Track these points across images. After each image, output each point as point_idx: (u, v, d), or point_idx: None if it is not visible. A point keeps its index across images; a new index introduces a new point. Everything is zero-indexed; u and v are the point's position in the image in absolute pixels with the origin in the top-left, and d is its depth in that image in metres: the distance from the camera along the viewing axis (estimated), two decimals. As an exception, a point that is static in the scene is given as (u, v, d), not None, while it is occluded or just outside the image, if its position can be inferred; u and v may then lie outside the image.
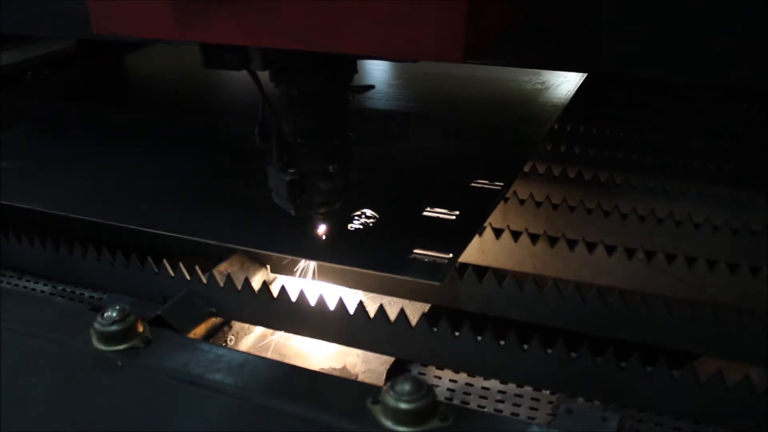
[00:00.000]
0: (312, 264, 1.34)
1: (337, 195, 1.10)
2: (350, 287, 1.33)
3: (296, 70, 1.00)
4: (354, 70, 1.05)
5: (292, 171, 1.05)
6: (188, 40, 0.90)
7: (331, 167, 1.06)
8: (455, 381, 1.13)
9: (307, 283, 1.34)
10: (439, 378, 1.14)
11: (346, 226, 1.19)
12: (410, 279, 1.10)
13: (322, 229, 1.15)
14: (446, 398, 1.11)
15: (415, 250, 1.12)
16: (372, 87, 1.13)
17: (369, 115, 1.65)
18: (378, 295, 1.31)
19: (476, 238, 1.33)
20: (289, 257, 1.33)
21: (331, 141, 1.06)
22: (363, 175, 1.12)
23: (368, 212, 1.23)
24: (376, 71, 1.95)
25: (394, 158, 1.47)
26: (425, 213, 1.23)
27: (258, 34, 0.85)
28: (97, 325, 0.99)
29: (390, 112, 1.72)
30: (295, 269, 1.37)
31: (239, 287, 1.20)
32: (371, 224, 1.20)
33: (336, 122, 1.06)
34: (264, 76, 1.01)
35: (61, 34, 2.04)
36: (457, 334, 1.09)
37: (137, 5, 0.89)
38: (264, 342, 1.25)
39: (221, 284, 1.21)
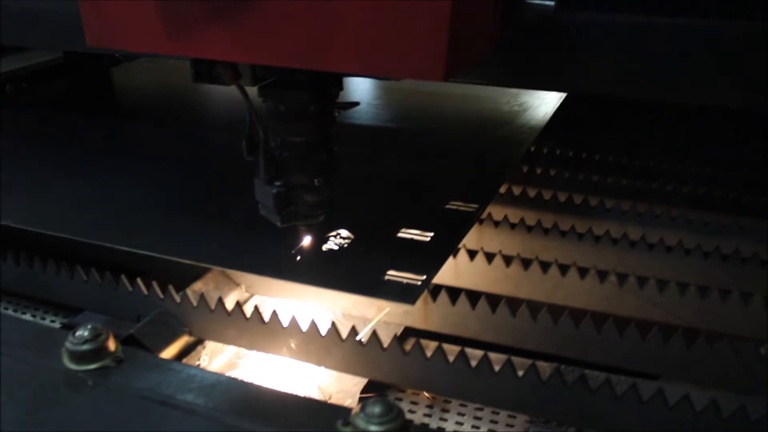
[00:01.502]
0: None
1: (322, 207, 1.11)
2: (325, 307, 1.33)
3: (284, 86, 1.02)
4: (340, 87, 1.07)
5: (278, 184, 1.07)
6: (180, 55, 0.92)
7: (316, 180, 1.08)
8: (432, 402, 1.13)
9: (281, 303, 1.34)
10: (416, 399, 1.14)
11: (322, 246, 1.20)
12: (383, 301, 1.11)
13: (298, 248, 1.15)
14: (424, 419, 1.11)
15: (389, 272, 1.12)
16: (357, 104, 1.15)
17: (346, 133, 1.66)
18: (352, 316, 1.31)
19: (450, 260, 1.33)
20: (264, 277, 1.33)
21: (317, 155, 1.07)
22: (338, 195, 1.13)
23: (344, 233, 1.23)
24: (358, 89, 1.97)
25: (369, 178, 1.48)
26: (400, 234, 1.23)
27: (248, 51, 0.88)
28: (68, 344, 0.99)
29: (368, 130, 1.73)
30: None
31: (212, 307, 1.20)
32: (346, 245, 1.21)
33: (322, 137, 1.07)
34: (252, 90, 1.03)
35: (52, 47, 2.05)
36: (428, 356, 1.09)
37: (132, 20, 0.91)
38: (237, 361, 1.25)
39: (195, 304, 1.21)
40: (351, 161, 1.21)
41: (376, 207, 1.36)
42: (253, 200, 1.12)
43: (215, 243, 1.24)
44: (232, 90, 1.02)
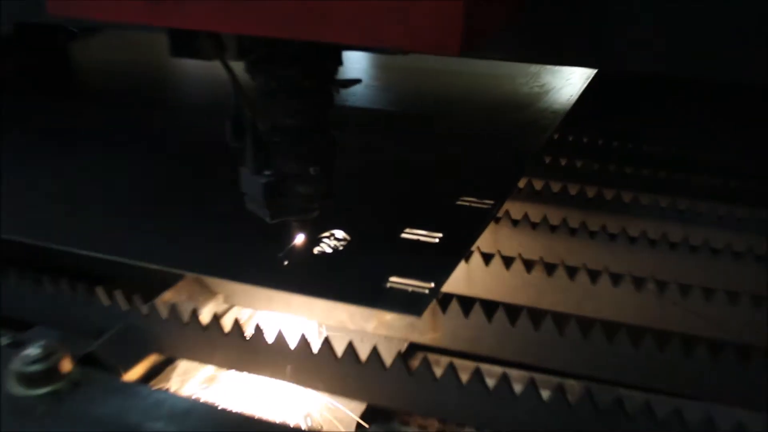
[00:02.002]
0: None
1: (318, 200, 1.11)
2: (316, 320, 1.33)
3: (275, 61, 1.02)
4: (339, 61, 1.06)
5: (268, 173, 1.07)
6: (157, 25, 0.90)
7: (312, 169, 1.08)
8: (443, 430, 1.14)
9: (265, 316, 1.34)
10: (425, 424, 1.14)
11: (312, 249, 1.19)
12: (385, 312, 1.10)
13: (286, 251, 1.15)
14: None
15: (392, 279, 1.12)
16: (359, 81, 1.16)
17: (344, 117, 1.66)
18: (349, 330, 1.30)
19: (462, 265, 1.33)
20: (246, 285, 1.33)
21: (313, 140, 1.07)
22: (334, 188, 1.13)
23: (338, 233, 1.23)
24: (354, 67, 1.96)
25: (369, 169, 1.48)
26: (404, 235, 1.23)
27: (234, 19, 0.86)
28: (15, 365, 0.97)
29: (367, 114, 1.73)
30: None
31: (185, 320, 1.19)
32: (341, 247, 1.20)
33: (318, 120, 1.07)
34: (238, 66, 1.02)
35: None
36: (437, 375, 1.08)
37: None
38: (214, 384, 1.25)
39: (164, 316, 1.20)
40: (346, 150, 1.21)
41: (375, 203, 1.36)
42: (236, 194, 1.11)
43: (190, 245, 1.23)
44: (214, 66, 1.01)
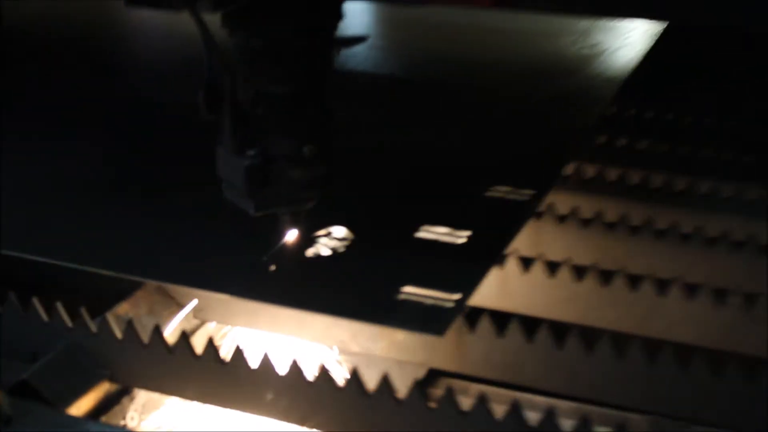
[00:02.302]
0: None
1: (313, 188, 1.11)
2: (311, 341, 1.32)
3: (260, 13, 1.02)
4: (339, 15, 1.06)
5: (251, 153, 1.07)
6: None
7: (306, 149, 1.07)
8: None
9: (246, 335, 1.34)
10: None
11: (306, 251, 1.20)
12: (398, 331, 1.11)
13: (273, 252, 1.16)
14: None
15: (406, 289, 1.12)
16: (365, 38, 1.17)
17: (345, 85, 1.67)
18: (351, 354, 1.30)
19: (495, 272, 1.31)
20: (222, 296, 1.32)
21: (307, 112, 1.07)
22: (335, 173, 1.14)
23: (338, 231, 1.23)
24: (358, 21, 1.97)
25: (378, 152, 1.48)
26: (421, 234, 1.23)
27: None
28: (-71, 397, 0.98)
29: (374, 81, 1.75)
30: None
31: (146, 339, 1.18)
32: (342, 249, 1.21)
33: (314, 87, 1.07)
34: (213, 20, 1.02)
35: None
36: (464, 411, 1.06)
37: None
38: (180, 421, 1.24)
39: (119, 335, 1.19)
40: (348, 127, 1.23)
41: (385, 194, 1.36)
42: (210, 180, 1.11)
43: (150, 245, 1.24)
44: (181, 20, 1.00)
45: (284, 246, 1.17)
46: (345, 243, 1.21)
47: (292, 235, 1.16)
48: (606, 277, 1.29)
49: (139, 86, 1.77)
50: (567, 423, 1.05)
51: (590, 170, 1.55)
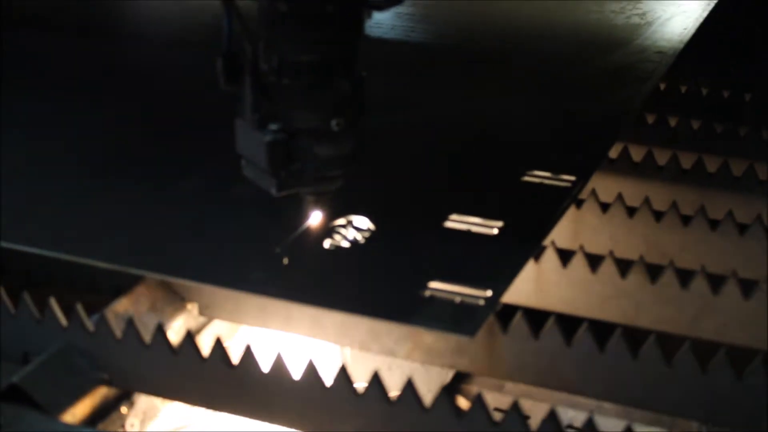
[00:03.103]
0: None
1: (342, 165, 1.12)
2: (329, 341, 1.34)
3: None
4: None
5: (274, 128, 1.08)
6: None
7: (335, 122, 1.09)
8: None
9: (257, 335, 1.35)
10: None
11: (323, 242, 1.20)
12: (423, 331, 1.13)
13: (289, 242, 1.17)
14: None
15: (433, 284, 1.12)
16: (401, 1, 1.16)
17: (375, 54, 1.67)
18: (372, 356, 1.32)
19: (531, 266, 1.33)
20: (230, 292, 1.34)
21: (336, 83, 1.09)
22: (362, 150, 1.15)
23: (359, 221, 1.24)
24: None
25: (402, 130, 1.49)
26: (449, 224, 1.24)
27: None
28: None
29: (403, 50, 1.75)
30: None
31: (147, 339, 1.20)
32: (363, 240, 1.22)
33: (343, 55, 1.08)
34: None
35: None
36: (496, 420, 1.08)
37: None
38: (185, 428, 1.26)
39: (118, 334, 1.20)
40: (375, 102, 1.22)
41: (410, 179, 1.37)
42: (221, 158, 1.13)
43: (152, 234, 1.24)
44: None
45: (301, 235, 1.17)
46: (366, 234, 1.22)
47: (315, 218, 1.17)
48: (654, 272, 1.29)
49: (147, 54, 1.77)
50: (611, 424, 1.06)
51: (638, 152, 1.56)
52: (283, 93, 1.08)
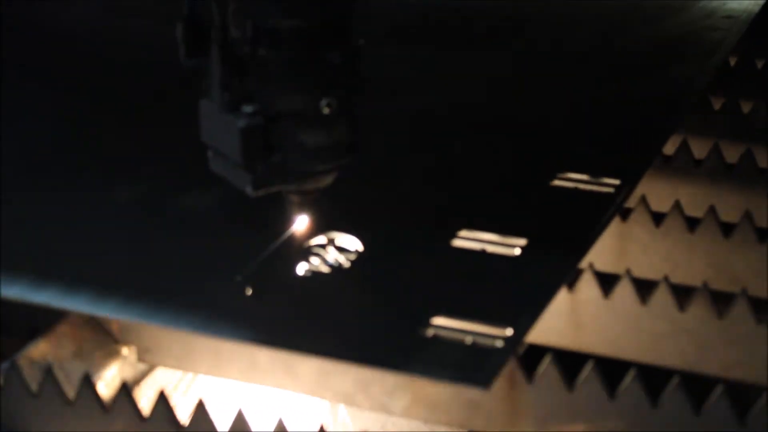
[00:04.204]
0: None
1: (333, 157, 1.14)
2: (304, 394, 1.33)
3: None
4: None
5: (248, 110, 1.09)
6: None
7: (324, 103, 1.10)
8: None
9: (212, 386, 1.35)
10: None
11: (296, 267, 1.20)
12: (425, 381, 1.11)
13: (254, 269, 1.17)
14: None
15: (437, 320, 1.11)
16: None
17: (375, 23, 1.68)
18: (362, 413, 1.32)
19: (563, 295, 1.32)
20: (178, 333, 1.33)
21: (325, 54, 1.10)
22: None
23: (343, 239, 1.24)
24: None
25: (403, 120, 1.51)
26: (458, 241, 1.24)
27: None
28: None
29: (404, 17, 1.77)
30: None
31: (71, 393, 1.19)
32: (347, 264, 1.21)
33: (334, 20, 1.11)
34: None
35: None
36: None
37: None
38: None
39: (33, 387, 1.20)
40: (375, 84, 1.24)
41: (410, 183, 1.38)
42: (169, 156, 1.17)
43: (77, 257, 1.24)
44: None
45: (278, 249, 1.18)
46: (352, 255, 1.21)
47: (300, 225, 1.19)
48: (721, 302, 1.28)
49: (78, 19, 1.81)
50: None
51: (701, 148, 1.55)
52: (260, 67, 1.09)
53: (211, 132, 1.12)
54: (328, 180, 1.15)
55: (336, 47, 1.10)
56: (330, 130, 1.11)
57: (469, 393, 1.17)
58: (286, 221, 1.18)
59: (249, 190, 1.11)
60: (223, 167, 1.13)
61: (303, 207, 1.18)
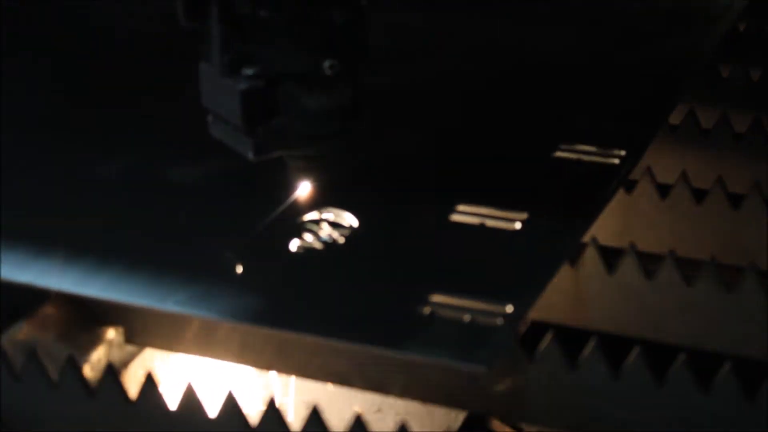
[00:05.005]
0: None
1: (338, 121, 1.15)
2: (299, 376, 1.34)
3: None
4: None
5: (249, 73, 1.11)
6: None
7: (327, 64, 1.11)
8: None
9: (201, 367, 1.36)
10: None
11: (288, 243, 1.20)
12: (424, 360, 1.11)
13: (239, 251, 1.16)
14: None
15: (434, 297, 1.11)
16: None
17: None
18: (358, 393, 1.32)
19: (565, 270, 1.32)
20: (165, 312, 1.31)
21: (327, 15, 1.11)
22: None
23: (335, 215, 1.24)
24: None
25: (397, 91, 1.51)
26: (457, 216, 1.24)
27: None
28: None
29: None
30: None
31: (55, 375, 1.19)
32: (341, 240, 1.21)
33: None
34: None
35: None
36: None
37: None
38: None
39: (17, 368, 1.20)
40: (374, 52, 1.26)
41: (404, 156, 1.38)
42: (160, 128, 1.18)
43: (61, 236, 1.23)
44: None
45: (256, 236, 1.18)
46: (346, 231, 1.22)
47: (303, 192, 1.20)
48: (730, 277, 1.28)
49: None
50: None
51: (708, 117, 1.55)
52: (261, 28, 1.10)
53: (211, 96, 1.13)
54: (332, 145, 1.16)
55: (339, 6, 1.10)
56: (333, 92, 1.12)
57: (471, 373, 1.15)
58: (280, 194, 1.18)
59: (250, 154, 1.12)
60: (223, 132, 1.14)
61: (306, 174, 1.19)
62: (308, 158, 1.17)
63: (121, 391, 1.18)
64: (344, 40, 1.12)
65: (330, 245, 1.20)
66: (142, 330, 1.38)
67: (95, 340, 1.37)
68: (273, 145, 1.13)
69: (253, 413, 1.15)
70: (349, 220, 1.23)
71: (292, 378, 1.35)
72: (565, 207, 1.26)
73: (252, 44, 1.10)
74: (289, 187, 1.21)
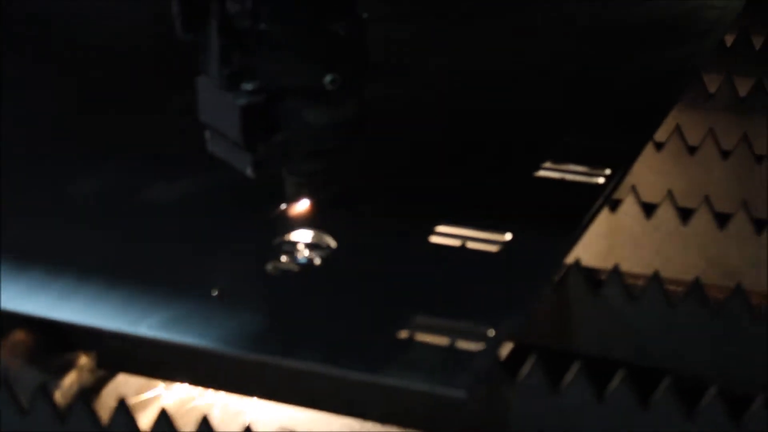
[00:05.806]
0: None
1: (340, 136, 1.16)
2: (274, 400, 1.32)
3: None
4: None
5: (249, 87, 1.11)
6: None
7: (329, 79, 1.11)
8: None
9: (178, 392, 1.35)
10: None
11: (265, 265, 1.21)
12: (402, 385, 1.10)
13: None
14: None
15: (414, 320, 1.12)
16: None
17: None
18: (335, 419, 1.31)
19: (548, 291, 1.31)
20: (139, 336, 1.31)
21: (328, 28, 1.12)
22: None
23: (310, 236, 1.24)
24: None
25: (379, 106, 1.47)
26: (436, 237, 1.24)
27: None
28: None
29: None
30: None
31: (25, 402, 1.19)
32: (318, 261, 1.22)
33: None
34: None
35: None
36: None
37: None
38: None
39: None
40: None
41: (383, 174, 1.38)
42: (146, 141, 1.18)
43: (32, 256, 1.25)
44: None
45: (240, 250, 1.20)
46: (323, 252, 1.22)
47: (302, 205, 1.21)
48: (715, 299, 1.29)
49: None
50: None
51: (695, 134, 1.55)
52: (261, 41, 1.11)
53: (209, 110, 1.14)
54: (333, 161, 1.17)
55: (340, 19, 1.12)
56: (335, 107, 1.13)
57: (451, 399, 1.16)
58: (259, 214, 1.20)
59: (249, 171, 1.13)
60: (222, 148, 1.15)
61: (304, 190, 1.20)
62: (308, 175, 1.18)
63: (93, 416, 1.18)
64: (345, 53, 1.13)
65: (307, 267, 1.21)
66: (114, 354, 1.37)
67: (66, 365, 1.35)
68: (272, 161, 1.14)
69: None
70: (327, 240, 1.23)
71: (269, 403, 1.35)
72: (547, 228, 1.26)
73: (251, 58, 1.11)
74: (268, 207, 1.21)
